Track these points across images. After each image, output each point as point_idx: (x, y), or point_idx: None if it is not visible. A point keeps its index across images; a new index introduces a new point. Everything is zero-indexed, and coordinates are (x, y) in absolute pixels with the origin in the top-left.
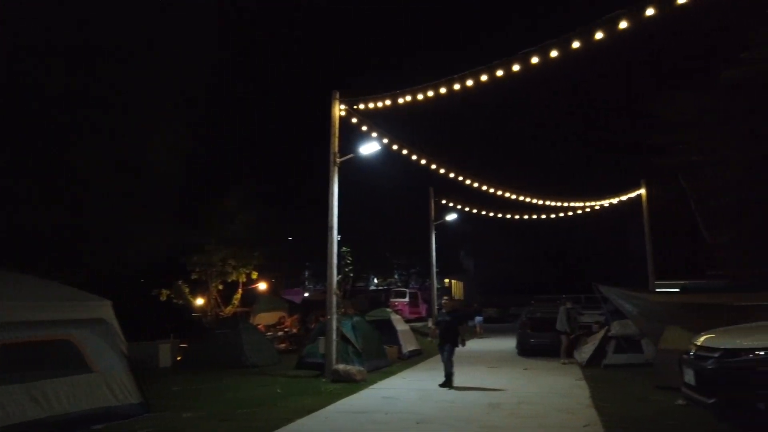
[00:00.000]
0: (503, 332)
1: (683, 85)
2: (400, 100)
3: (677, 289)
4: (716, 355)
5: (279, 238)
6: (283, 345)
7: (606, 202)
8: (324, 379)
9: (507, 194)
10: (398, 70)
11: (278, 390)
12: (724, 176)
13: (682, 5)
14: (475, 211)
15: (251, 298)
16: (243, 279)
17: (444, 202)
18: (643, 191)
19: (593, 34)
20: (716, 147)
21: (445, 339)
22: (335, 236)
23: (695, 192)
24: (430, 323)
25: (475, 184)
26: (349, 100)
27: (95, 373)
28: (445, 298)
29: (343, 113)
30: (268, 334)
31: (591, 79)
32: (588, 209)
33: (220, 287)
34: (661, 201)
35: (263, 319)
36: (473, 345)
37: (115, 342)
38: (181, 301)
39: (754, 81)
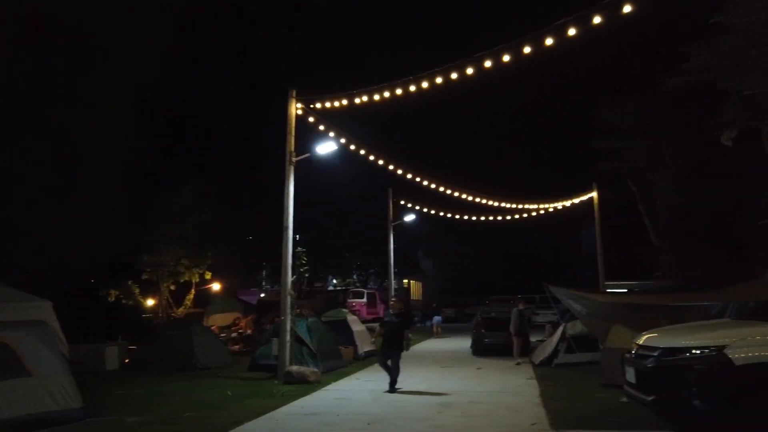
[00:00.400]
0: (460, 332)
1: (628, 93)
2: (357, 100)
3: (625, 290)
4: (655, 353)
5: (234, 237)
6: (237, 347)
7: (560, 205)
8: (277, 381)
9: (465, 196)
10: (359, 71)
11: (229, 393)
12: (666, 181)
13: (627, 14)
14: (433, 212)
15: (205, 298)
16: (196, 279)
17: (403, 202)
18: (594, 194)
19: (543, 40)
20: (659, 153)
21: (392, 342)
22: (290, 236)
23: (643, 195)
24: None
25: (433, 185)
26: (306, 99)
27: (33, 377)
28: (393, 298)
29: (299, 112)
30: (222, 335)
31: (546, 83)
32: (543, 211)
33: (172, 287)
34: (613, 204)
35: (217, 320)
36: (430, 345)
37: (55, 344)
38: (130, 302)
39: (690, 91)
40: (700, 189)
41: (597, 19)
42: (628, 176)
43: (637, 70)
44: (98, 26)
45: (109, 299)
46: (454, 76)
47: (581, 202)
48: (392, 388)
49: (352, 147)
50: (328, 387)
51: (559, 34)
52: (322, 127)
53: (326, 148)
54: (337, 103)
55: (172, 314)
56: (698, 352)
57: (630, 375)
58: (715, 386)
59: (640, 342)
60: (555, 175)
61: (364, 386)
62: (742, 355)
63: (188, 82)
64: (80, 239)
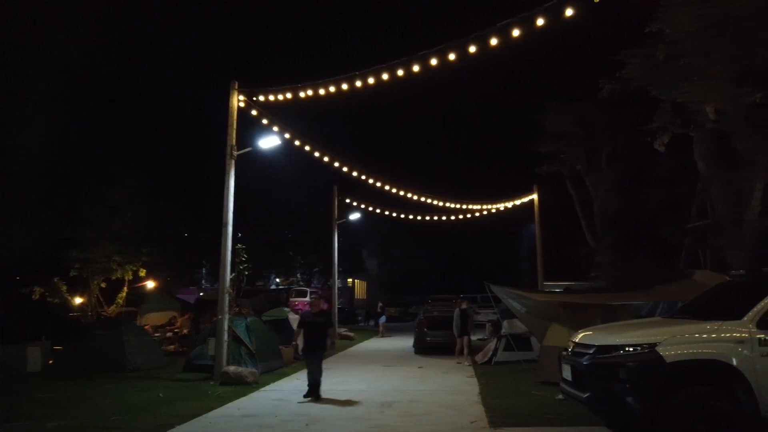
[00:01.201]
0: (403, 331)
1: (570, 98)
2: (302, 94)
3: (561, 290)
4: (591, 351)
5: (172, 234)
6: (173, 347)
7: (502, 206)
8: (212, 382)
9: (410, 195)
10: (306, 66)
11: (160, 395)
12: (602, 185)
13: (570, 17)
14: (378, 210)
15: (139, 297)
16: (129, 277)
17: (348, 200)
18: (535, 196)
19: (488, 40)
20: (596, 157)
21: (315, 344)
22: (230, 232)
23: (580, 198)
24: None
25: (379, 184)
26: (249, 92)
27: None
28: (314, 296)
29: (242, 104)
30: (156, 335)
31: (494, 86)
32: (485, 212)
33: (103, 285)
34: (553, 206)
35: (152, 319)
36: (373, 344)
37: None
38: (57, 300)
39: (627, 98)
40: (634, 193)
41: (541, 21)
42: (567, 179)
43: (579, 76)
44: (22, 5)
45: (33, 297)
46: (400, 72)
47: (522, 203)
48: (317, 392)
49: (297, 142)
50: (267, 387)
51: (504, 35)
52: (265, 121)
53: (269, 142)
54: (281, 97)
55: (103, 313)
56: (631, 349)
57: (566, 372)
58: (647, 382)
59: (576, 340)
60: (499, 177)
61: (303, 387)
62: (673, 352)
63: (128, 72)
64: None
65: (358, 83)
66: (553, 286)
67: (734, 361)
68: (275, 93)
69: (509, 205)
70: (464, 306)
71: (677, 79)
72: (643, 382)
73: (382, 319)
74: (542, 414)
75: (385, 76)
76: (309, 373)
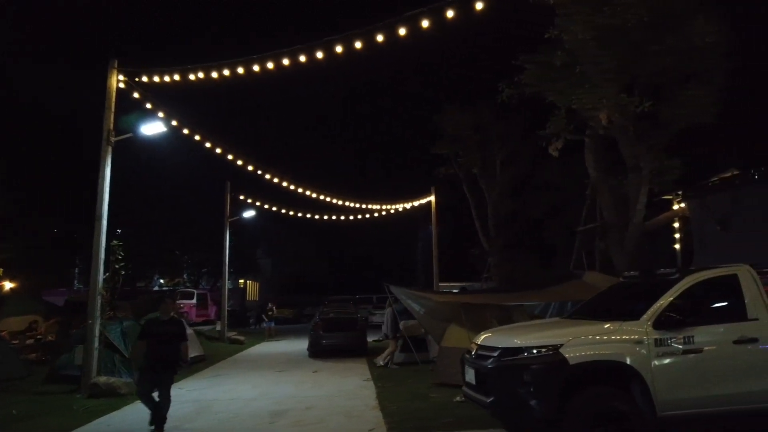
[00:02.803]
0: (297, 333)
1: (467, 102)
2: (192, 77)
3: (457, 290)
4: (495, 354)
5: (37, 228)
6: (34, 355)
7: (400, 207)
8: (80, 395)
9: (309, 192)
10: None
11: (13, 411)
12: (496, 188)
13: (480, 11)
14: (274, 208)
15: None
16: None
17: (242, 197)
18: (433, 198)
19: (396, 30)
20: (491, 162)
21: (163, 361)
22: (104, 227)
23: (476, 201)
24: (218, 326)
25: (276, 180)
26: (131, 71)
27: None
28: (166, 299)
29: (122, 85)
30: (14, 342)
31: (398, 87)
32: (384, 212)
33: None
34: (450, 208)
35: (11, 324)
36: (263, 348)
37: None
38: None
39: (523, 103)
40: (525, 197)
41: (450, 13)
42: (464, 182)
43: (478, 79)
44: None
45: None
46: (302, 59)
47: (421, 205)
48: (161, 427)
49: (186, 131)
50: None
51: (413, 26)
52: (149, 105)
53: (153, 128)
54: (168, 78)
55: None
56: (536, 351)
57: (470, 376)
58: (551, 385)
59: (479, 342)
60: (400, 177)
61: (187, 396)
62: (576, 353)
63: None
64: None
65: (256, 67)
66: (447, 287)
67: (632, 362)
68: (161, 74)
69: (408, 206)
70: (395, 305)
71: (572, 86)
72: (547, 384)
73: (271, 323)
74: (441, 417)
75: (285, 62)
76: (140, 393)
